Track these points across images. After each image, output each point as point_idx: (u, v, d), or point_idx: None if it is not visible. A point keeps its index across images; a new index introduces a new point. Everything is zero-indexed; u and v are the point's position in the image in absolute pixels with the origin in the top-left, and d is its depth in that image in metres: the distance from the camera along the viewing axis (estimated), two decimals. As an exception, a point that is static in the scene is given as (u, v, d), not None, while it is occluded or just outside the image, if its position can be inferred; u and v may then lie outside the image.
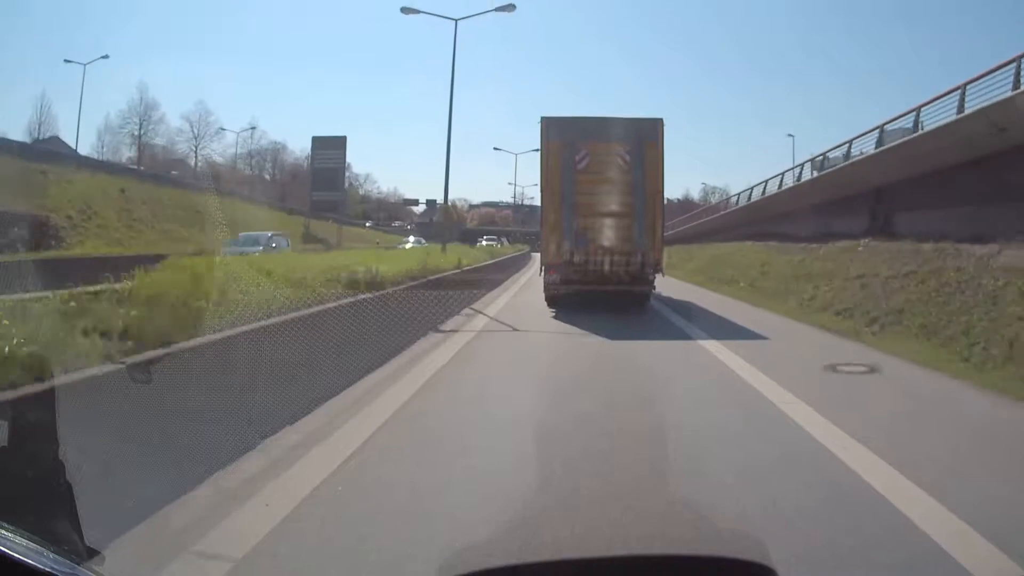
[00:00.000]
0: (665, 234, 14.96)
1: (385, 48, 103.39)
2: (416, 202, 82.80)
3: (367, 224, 66.98)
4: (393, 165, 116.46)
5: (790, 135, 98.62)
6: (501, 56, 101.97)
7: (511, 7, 21.80)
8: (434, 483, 4.00)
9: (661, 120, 13.49)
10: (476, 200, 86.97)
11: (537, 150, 14.07)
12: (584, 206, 13.14)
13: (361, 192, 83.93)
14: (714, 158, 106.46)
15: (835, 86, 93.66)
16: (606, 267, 12.87)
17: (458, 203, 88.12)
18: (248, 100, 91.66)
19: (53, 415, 3.24)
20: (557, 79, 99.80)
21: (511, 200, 72.19)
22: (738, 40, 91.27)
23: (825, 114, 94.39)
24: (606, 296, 13.10)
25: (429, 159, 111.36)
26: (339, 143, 43.41)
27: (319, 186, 42.72)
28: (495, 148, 55.71)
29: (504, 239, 55.97)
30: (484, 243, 48.65)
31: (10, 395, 3.31)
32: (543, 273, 13.70)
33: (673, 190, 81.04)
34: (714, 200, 79.16)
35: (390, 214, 79.46)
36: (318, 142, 43.71)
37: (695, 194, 79.89)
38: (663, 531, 3.35)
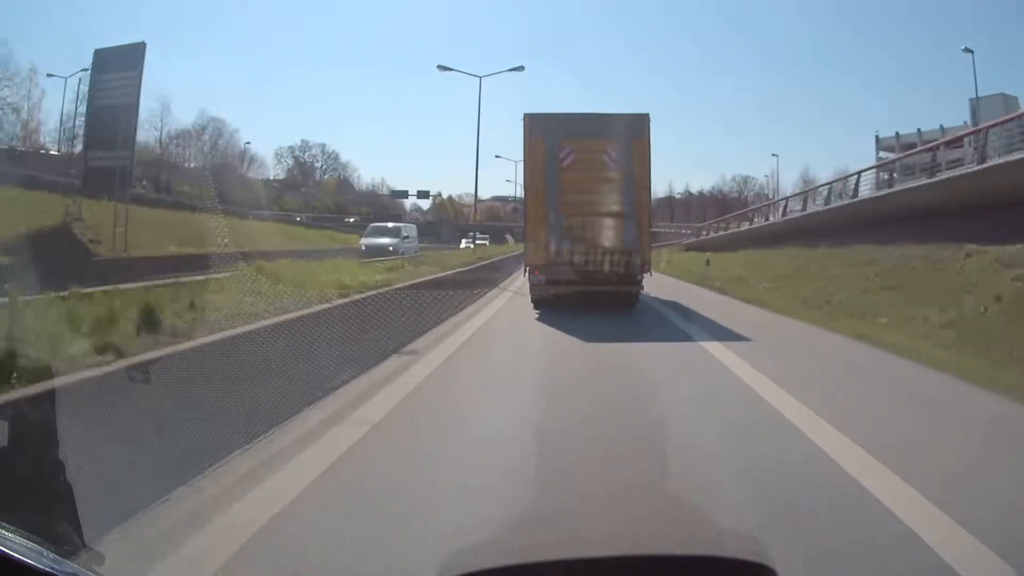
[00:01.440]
0: (717, 234, 14.17)
1: (376, 41, 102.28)
2: (405, 194, 74.43)
3: (299, 219, 56.51)
4: (382, 157, 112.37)
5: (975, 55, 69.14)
6: (509, 51, 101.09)
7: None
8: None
9: (647, 115, 13.31)
10: (486, 195, 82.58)
11: None
12: (569, 205, 12.94)
13: (331, 177, 77.46)
14: (741, 151, 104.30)
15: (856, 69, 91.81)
16: (593, 267, 12.68)
17: (465, 198, 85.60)
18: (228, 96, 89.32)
19: (53, 415, 3.25)
20: (566, 76, 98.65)
21: (521, 195, 68.28)
22: (752, 28, 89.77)
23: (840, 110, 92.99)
24: (595, 297, 12.91)
25: (423, 152, 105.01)
26: (131, 58, 22.19)
27: (97, 140, 22.95)
28: (440, 67, 40.90)
29: (476, 236, 43.39)
30: (366, 245, 26.88)
31: (10, 395, 3.32)
32: (527, 274, 13.50)
33: (702, 182, 79.64)
34: (747, 191, 75.25)
35: (375, 209, 72.54)
36: (101, 60, 22.93)
37: (721, 186, 77.67)
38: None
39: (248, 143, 69.99)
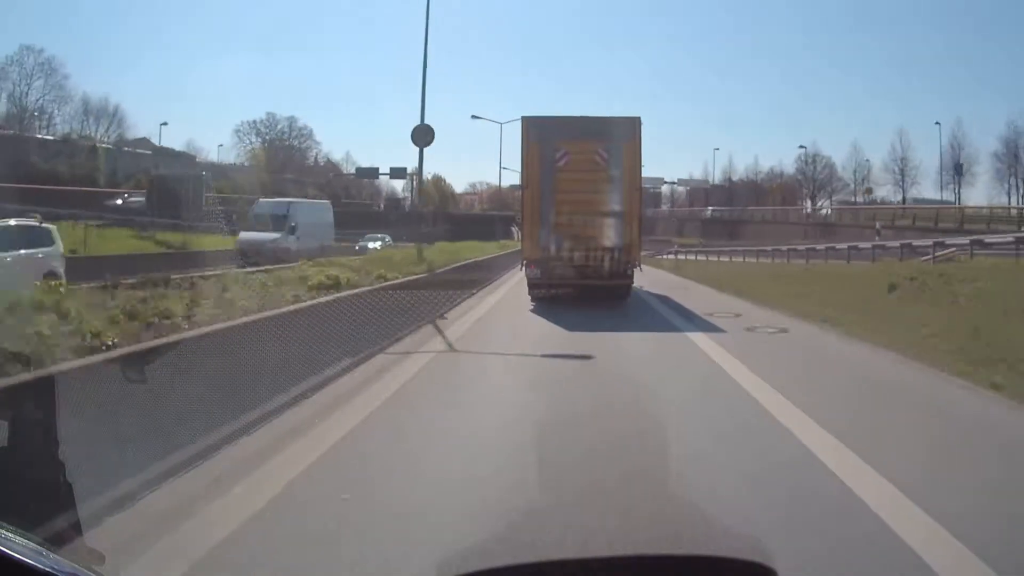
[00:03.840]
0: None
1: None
2: (376, 173, 58.97)
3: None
4: (356, 133, 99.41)
5: None
6: (519, 47, 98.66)
7: None
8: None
9: (639, 118, 14.04)
10: (495, 183, 68.59)
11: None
12: (564, 203, 13.62)
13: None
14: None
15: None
16: (586, 263, 13.43)
17: (479, 187, 72.58)
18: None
19: (53, 415, 3.25)
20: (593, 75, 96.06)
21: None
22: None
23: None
24: (587, 291, 13.65)
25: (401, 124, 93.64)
26: None
27: None
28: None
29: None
30: None
31: (10, 393, 3.32)
32: (524, 268, 14.26)
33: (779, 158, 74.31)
34: (819, 171, 60.78)
35: (337, 189, 60.09)
36: None
37: (787, 165, 67.48)
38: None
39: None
